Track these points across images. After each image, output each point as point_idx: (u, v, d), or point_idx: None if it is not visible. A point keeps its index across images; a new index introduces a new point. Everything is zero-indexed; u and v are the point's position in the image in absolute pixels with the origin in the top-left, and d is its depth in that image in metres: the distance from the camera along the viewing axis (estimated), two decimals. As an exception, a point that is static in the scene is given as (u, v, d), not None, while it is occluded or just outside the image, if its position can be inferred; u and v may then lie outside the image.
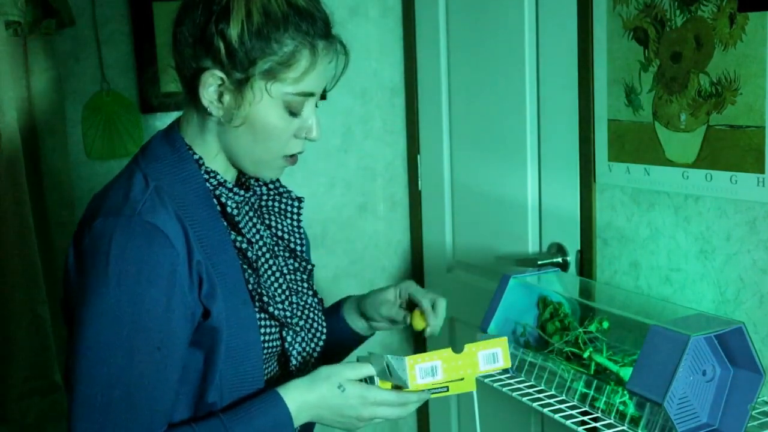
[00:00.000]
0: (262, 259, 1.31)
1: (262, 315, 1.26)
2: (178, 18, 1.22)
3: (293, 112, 1.21)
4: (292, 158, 1.28)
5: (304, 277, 1.38)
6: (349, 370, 1.23)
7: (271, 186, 1.37)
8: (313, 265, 1.40)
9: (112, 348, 1.13)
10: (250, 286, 1.25)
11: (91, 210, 1.20)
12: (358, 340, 1.54)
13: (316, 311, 1.38)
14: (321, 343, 1.37)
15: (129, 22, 2.29)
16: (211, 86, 1.18)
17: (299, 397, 1.21)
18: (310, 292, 1.38)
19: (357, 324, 1.51)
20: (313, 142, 1.28)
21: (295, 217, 1.39)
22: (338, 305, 1.54)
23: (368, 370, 1.25)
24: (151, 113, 2.32)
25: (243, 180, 1.35)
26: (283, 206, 1.38)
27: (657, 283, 1.83)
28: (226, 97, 1.18)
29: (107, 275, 1.12)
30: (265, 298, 1.26)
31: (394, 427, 2.79)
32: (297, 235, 1.39)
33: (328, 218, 2.62)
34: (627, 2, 1.81)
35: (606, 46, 1.87)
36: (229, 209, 1.25)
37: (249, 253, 1.26)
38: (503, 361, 1.27)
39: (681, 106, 1.72)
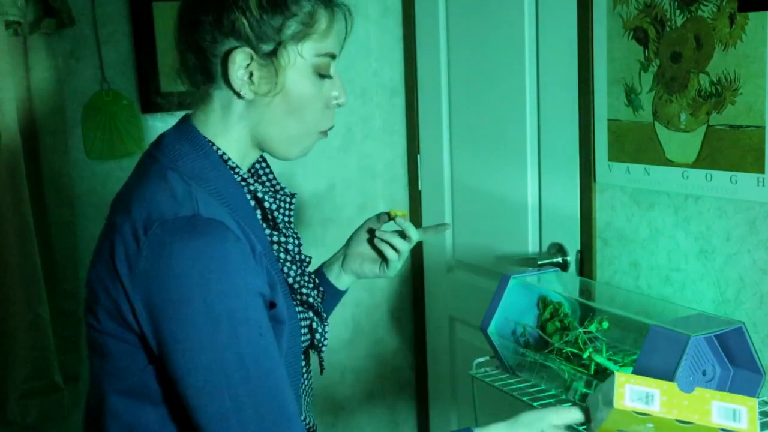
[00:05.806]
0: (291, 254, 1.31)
1: (299, 309, 1.26)
2: (187, 10, 1.20)
3: (322, 75, 1.21)
4: (324, 133, 1.29)
5: (304, 269, 1.39)
6: (554, 415, 1.15)
7: (268, 184, 1.37)
8: (310, 258, 1.41)
9: (218, 350, 1.08)
10: (290, 280, 1.24)
11: (133, 220, 1.11)
12: (339, 295, 1.58)
13: (319, 303, 1.38)
14: (327, 335, 1.37)
15: (129, 22, 2.29)
16: (240, 67, 1.17)
17: None
18: (311, 285, 1.38)
19: (343, 281, 1.57)
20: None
21: (289, 212, 1.39)
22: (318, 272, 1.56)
23: (575, 415, 1.14)
24: (151, 113, 2.32)
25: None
26: (279, 202, 1.38)
27: (657, 283, 1.83)
28: (257, 74, 1.17)
29: (190, 279, 1.06)
30: (304, 290, 1.26)
31: (393, 429, 2.79)
32: (291, 230, 1.39)
33: (328, 218, 2.61)
34: (627, 2, 1.81)
35: (606, 46, 1.86)
36: (267, 204, 1.24)
37: (289, 246, 1.26)
38: (747, 423, 1.03)
39: (681, 106, 1.72)
